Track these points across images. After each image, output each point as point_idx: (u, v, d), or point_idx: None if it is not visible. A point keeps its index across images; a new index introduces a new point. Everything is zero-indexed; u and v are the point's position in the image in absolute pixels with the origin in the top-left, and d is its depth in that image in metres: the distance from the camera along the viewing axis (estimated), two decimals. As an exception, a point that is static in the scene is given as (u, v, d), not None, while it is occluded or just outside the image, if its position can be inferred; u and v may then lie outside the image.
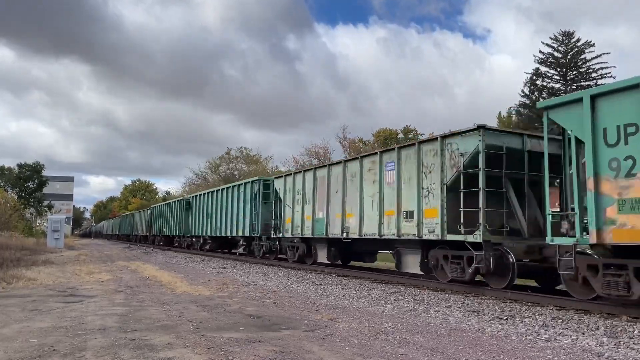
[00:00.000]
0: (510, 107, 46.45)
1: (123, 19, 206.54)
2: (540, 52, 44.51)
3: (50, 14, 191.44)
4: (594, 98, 7.75)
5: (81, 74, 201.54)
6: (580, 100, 7.92)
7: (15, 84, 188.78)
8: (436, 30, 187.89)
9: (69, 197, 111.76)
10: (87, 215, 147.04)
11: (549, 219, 8.44)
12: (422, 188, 11.33)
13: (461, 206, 10.15)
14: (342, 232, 14.28)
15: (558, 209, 9.81)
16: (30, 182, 52.35)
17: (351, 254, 16.47)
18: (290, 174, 18.20)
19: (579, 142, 8.08)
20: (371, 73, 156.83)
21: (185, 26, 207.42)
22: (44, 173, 54.77)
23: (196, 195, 30.93)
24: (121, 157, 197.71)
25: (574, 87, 42.60)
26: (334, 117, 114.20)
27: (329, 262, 16.20)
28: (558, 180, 10.07)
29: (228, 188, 24.80)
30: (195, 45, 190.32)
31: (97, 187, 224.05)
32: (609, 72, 41.94)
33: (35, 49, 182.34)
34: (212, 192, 27.31)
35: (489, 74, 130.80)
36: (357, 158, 14.03)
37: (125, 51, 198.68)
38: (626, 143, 7.30)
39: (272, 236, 19.18)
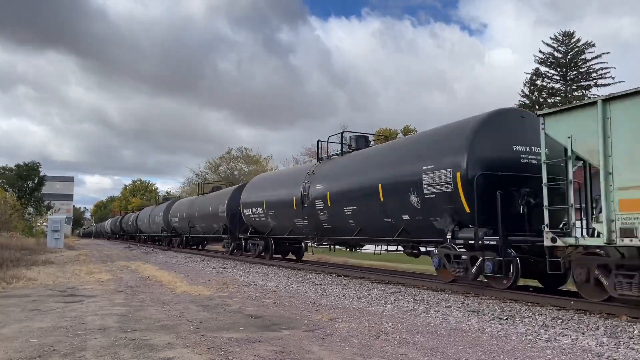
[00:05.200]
0: (510, 107, 46.47)
1: (107, 8, 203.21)
2: (540, 51, 44.56)
3: (31, 3, 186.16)
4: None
5: (68, 68, 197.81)
6: None
7: (0, 79, 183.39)
8: (431, 22, 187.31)
9: (69, 197, 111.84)
10: (87, 215, 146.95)
11: None
12: None
13: None
14: None
15: None
16: (29, 182, 52.34)
17: None
18: None
19: None
20: (368, 68, 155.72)
21: (174, 16, 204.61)
22: (42, 173, 54.74)
23: None
24: (116, 156, 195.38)
25: (574, 87, 42.62)
26: (333, 114, 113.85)
27: None
28: None
29: None
30: (185, 36, 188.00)
31: (93, 186, 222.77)
32: (609, 72, 42.00)
33: (18, 40, 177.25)
34: None
35: (488, 67, 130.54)
36: None
37: (113, 43, 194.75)
38: None
39: None
